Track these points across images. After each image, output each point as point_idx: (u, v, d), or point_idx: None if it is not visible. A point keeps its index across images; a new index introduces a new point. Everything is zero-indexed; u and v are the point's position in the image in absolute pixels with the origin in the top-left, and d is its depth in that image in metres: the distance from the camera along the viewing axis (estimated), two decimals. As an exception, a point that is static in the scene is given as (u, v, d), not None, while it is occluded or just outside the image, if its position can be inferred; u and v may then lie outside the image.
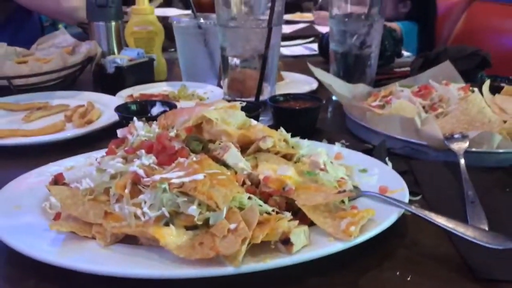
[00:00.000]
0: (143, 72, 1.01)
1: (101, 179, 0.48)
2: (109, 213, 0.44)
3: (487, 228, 0.48)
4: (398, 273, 0.44)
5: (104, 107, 0.84)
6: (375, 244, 0.45)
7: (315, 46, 1.37)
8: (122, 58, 0.98)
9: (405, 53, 1.28)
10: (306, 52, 1.38)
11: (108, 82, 0.97)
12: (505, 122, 0.69)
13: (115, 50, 1.07)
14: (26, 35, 1.59)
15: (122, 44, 1.07)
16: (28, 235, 0.44)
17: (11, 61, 0.90)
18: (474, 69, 0.91)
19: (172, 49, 1.26)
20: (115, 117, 0.76)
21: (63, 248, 0.42)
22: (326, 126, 0.80)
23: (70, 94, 0.93)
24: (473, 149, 0.63)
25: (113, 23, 1.06)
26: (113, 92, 0.93)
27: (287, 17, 1.93)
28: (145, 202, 0.43)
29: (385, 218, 0.46)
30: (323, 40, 1.24)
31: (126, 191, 0.44)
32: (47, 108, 0.85)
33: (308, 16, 1.98)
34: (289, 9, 2.15)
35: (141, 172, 0.45)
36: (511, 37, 1.83)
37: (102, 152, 0.56)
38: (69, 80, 1.00)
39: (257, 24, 0.78)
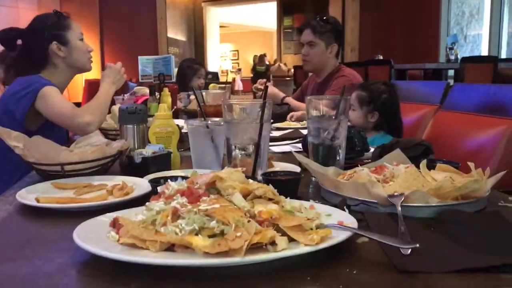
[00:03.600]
0: (163, 162, 1.28)
1: (150, 214, 0.72)
2: (157, 232, 0.68)
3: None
4: (347, 270, 0.66)
5: (136, 185, 1.10)
6: (332, 253, 0.68)
7: (300, 145, 1.66)
8: (147, 151, 1.26)
9: (372, 149, 1.56)
10: (293, 150, 1.66)
11: (136, 170, 1.23)
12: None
13: (141, 146, 1.35)
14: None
15: (146, 142, 1.36)
16: (104, 246, 0.67)
17: (66, 151, 1.17)
18: (420, 155, 1.19)
19: (182, 149, 1.55)
20: (147, 189, 1.01)
21: (130, 252, 0.66)
22: (305, 195, 1.06)
23: (106, 178, 1.18)
24: (408, 204, 0.88)
25: (140, 126, 1.36)
26: (139, 177, 1.18)
27: (277, 125, 2.27)
28: (181, 224, 0.67)
29: (339, 236, 0.70)
30: (305, 139, 1.54)
31: (169, 218, 0.69)
32: (90, 186, 1.10)
33: (294, 124, 2.32)
34: (280, 118, 2.51)
35: (178, 206, 0.70)
36: (470, 141, 2.14)
37: (142, 208, 0.81)
38: (104, 169, 1.26)
39: (252, 121, 1.07)
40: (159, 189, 0.80)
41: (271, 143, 1.73)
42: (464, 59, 5.36)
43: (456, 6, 6.85)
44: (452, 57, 5.80)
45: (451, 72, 5.89)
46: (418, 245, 0.66)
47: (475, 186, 0.91)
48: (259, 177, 1.05)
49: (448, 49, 6.03)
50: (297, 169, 1.27)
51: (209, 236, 0.65)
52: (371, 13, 6.99)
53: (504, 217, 0.87)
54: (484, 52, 6.82)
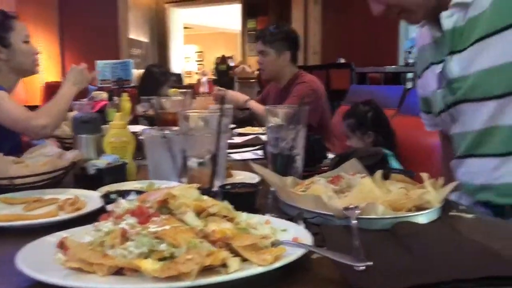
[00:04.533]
0: (118, 173, 1.24)
1: (98, 235, 0.69)
2: (105, 255, 0.65)
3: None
4: (301, 289, 0.66)
5: (88, 199, 1.06)
6: (287, 272, 0.67)
7: (261, 152, 1.66)
8: (101, 162, 1.22)
9: (330, 155, 1.57)
10: (254, 157, 1.66)
11: (89, 181, 1.20)
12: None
13: (95, 157, 1.31)
14: (6, 147, 1.80)
15: (100, 152, 1.32)
16: (48, 271, 0.64)
17: (17, 165, 1.12)
18: (376, 164, 1.20)
19: (139, 158, 1.51)
20: (99, 205, 0.98)
21: (76, 277, 0.63)
22: (263, 207, 1.05)
23: (58, 191, 1.14)
24: (363, 216, 0.88)
25: (94, 135, 1.32)
26: (93, 189, 1.15)
27: (239, 130, 2.26)
28: (130, 246, 0.65)
29: (294, 254, 0.69)
30: (266, 146, 1.53)
31: (117, 240, 0.66)
32: (41, 201, 1.06)
33: (256, 129, 2.32)
34: (241, 124, 2.50)
35: (127, 227, 0.68)
36: (426, 146, 2.20)
37: (91, 226, 0.78)
38: (56, 181, 1.22)
39: (209, 131, 1.05)
40: (108, 208, 0.78)
41: (231, 150, 1.72)
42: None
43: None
44: (411, 61, 5.93)
45: (410, 75, 6.03)
46: (371, 262, 0.66)
47: (429, 197, 0.93)
48: (216, 189, 1.03)
49: (406, 53, 6.17)
50: (256, 178, 1.26)
51: (159, 259, 0.63)
52: (333, 17, 7.08)
53: (456, 227, 0.89)
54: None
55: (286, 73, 2.86)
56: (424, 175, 1.00)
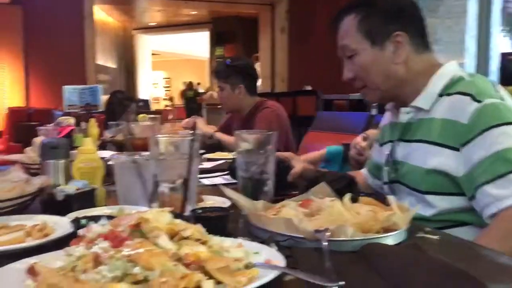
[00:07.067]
0: (87, 199, 1.22)
1: (69, 260, 0.69)
2: (77, 280, 0.64)
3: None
4: (274, 311, 0.67)
5: (57, 225, 1.04)
6: (259, 293, 0.68)
7: (229, 177, 1.67)
8: (70, 188, 1.21)
9: None
10: (224, 181, 1.66)
11: (58, 207, 1.17)
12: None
13: (63, 182, 1.29)
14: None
15: (69, 178, 1.30)
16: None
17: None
18: (343, 188, 1.23)
19: (108, 183, 1.49)
20: (68, 230, 0.96)
21: (45, 303, 0.62)
22: (235, 231, 1.05)
23: (24, 217, 1.11)
24: (334, 238, 0.90)
25: (63, 161, 1.30)
26: (61, 215, 1.13)
27: (208, 155, 2.27)
28: (103, 270, 0.64)
29: (266, 276, 0.70)
30: (232, 168, 1.54)
31: (90, 264, 0.66)
32: (6, 227, 1.03)
33: (225, 154, 2.33)
34: (211, 149, 2.50)
35: (100, 251, 0.67)
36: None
37: (61, 252, 0.77)
38: (22, 208, 1.19)
39: (180, 156, 1.06)
40: (80, 232, 0.77)
41: (201, 175, 1.72)
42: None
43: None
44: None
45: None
46: (343, 282, 0.67)
47: (395, 219, 0.96)
48: (188, 213, 1.03)
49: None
50: (227, 203, 1.27)
51: (133, 283, 0.63)
52: (299, 45, 7.24)
53: (422, 248, 0.91)
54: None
55: (245, 105, 2.94)
56: (391, 198, 1.04)
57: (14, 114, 6.03)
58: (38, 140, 1.99)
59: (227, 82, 2.89)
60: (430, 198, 1.24)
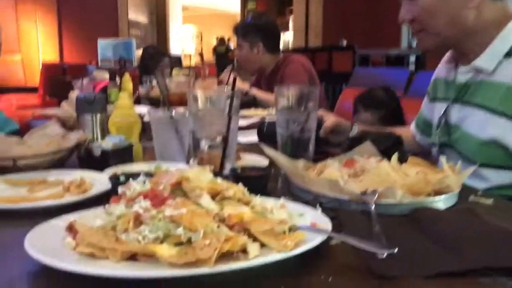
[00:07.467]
0: (124, 154, 1.21)
1: (109, 219, 0.66)
2: (118, 240, 0.62)
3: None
4: (322, 276, 0.63)
5: (95, 181, 1.03)
6: (306, 258, 0.64)
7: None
8: (107, 143, 1.19)
9: None
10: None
11: (95, 163, 1.16)
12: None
13: (100, 138, 1.27)
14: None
15: (105, 133, 1.28)
16: (59, 255, 0.61)
17: (20, 146, 1.08)
18: (389, 148, 1.17)
19: (144, 140, 1.47)
20: (106, 187, 0.94)
21: (87, 263, 0.60)
22: (274, 190, 1.02)
23: (63, 172, 1.10)
24: (381, 201, 0.85)
25: (99, 115, 1.28)
26: (99, 171, 1.11)
27: (243, 112, 2.22)
28: (144, 230, 0.62)
29: (313, 240, 0.66)
30: (261, 128, 1.48)
31: (130, 224, 0.63)
32: (45, 183, 1.03)
33: (261, 112, 2.28)
34: (245, 106, 2.45)
35: (141, 211, 0.64)
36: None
37: (101, 209, 0.75)
38: (60, 163, 1.18)
39: (219, 112, 1.02)
40: (119, 189, 0.74)
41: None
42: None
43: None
44: (414, 44, 5.86)
45: (413, 58, 5.97)
46: (395, 249, 0.63)
47: (448, 181, 0.90)
48: (227, 172, 1.00)
49: (410, 35, 6.10)
50: (265, 161, 1.23)
51: (175, 244, 0.60)
52: (335, -2, 6.99)
53: (477, 213, 0.86)
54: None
55: (265, 64, 2.86)
56: (443, 159, 0.97)
57: (48, 69, 6.08)
58: (73, 94, 1.97)
59: (246, 40, 2.82)
60: (483, 171, 1.14)
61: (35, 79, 6.81)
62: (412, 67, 5.84)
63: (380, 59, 5.94)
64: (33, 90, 6.09)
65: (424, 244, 0.72)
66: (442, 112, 1.27)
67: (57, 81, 4.39)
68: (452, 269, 0.63)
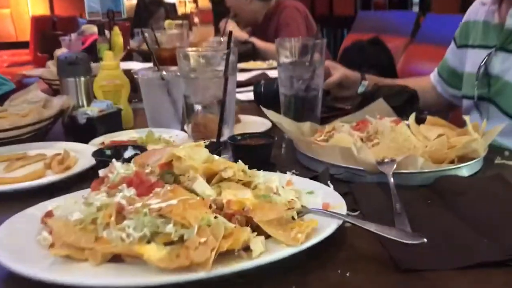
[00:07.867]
0: (112, 121, 1.10)
1: (89, 211, 0.57)
2: (98, 238, 0.53)
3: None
4: (339, 271, 0.54)
5: (79, 154, 0.93)
6: (319, 249, 0.55)
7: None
8: (93, 110, 1.08)
9: None
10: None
11: (80, 132, 1.06)
12: (426, 147, 0.82)
13: (85, 103, 1.16)
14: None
15: (91, 97, 1.17)
16: (29, 261, 0.52)
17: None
18: (404, 104, 1.06)
19: (136, 100, 1.36)
20: (90, 162, 0.84)
21: (62, 268, 0.51)
22: (279, 159, 0.92)
23: (45, 145, 1.00)
24: (401, 171, 0.75)
25: (83, 79, 1.16)
26: (85, 141, 1.01)
27: (241, 65, 2.08)
28: (128, 227, 0.52)
29: (326, 227, 0.57)
30: (257, 88, 1.35)
31: (112, 218, 0.53)
32: (25, 158, 0.93)
33: (260, 64, 2.14)
34: (243, 58, 2.31)
35: (124, 202, 0.55)
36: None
37: (82, 193, 0.65)
38: (43, 133, 1.08)
39: (214, 74, 0.90)
40: (100, 172, 0.64)
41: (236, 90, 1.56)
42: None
43: None
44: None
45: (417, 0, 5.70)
46: (425, 240, 0.53)
47: (475, 146, 0.80)
48: (226, 139, 0.90)
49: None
50: (267, 123, 1.12)
51: (166, 244, 0.51)
52: None
53: (507, 180, 0.76)
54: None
55: (257, 12, 2.71)
56: (467, 118, 0.86)
57: (38, 22, 5.82)
58: (59, 52, 1.84)
59: None
60: None
61: (26, 34, 6.56)
62: (415, 8, 5.59)
63: (382, 2, 5.68)
64: (25, 45, 5.89)
65: (454, 226, 0.63)
66: (482, 61, 1.13)
67: (47, 35, 4.19)
68: (491, 258, 0.53)
